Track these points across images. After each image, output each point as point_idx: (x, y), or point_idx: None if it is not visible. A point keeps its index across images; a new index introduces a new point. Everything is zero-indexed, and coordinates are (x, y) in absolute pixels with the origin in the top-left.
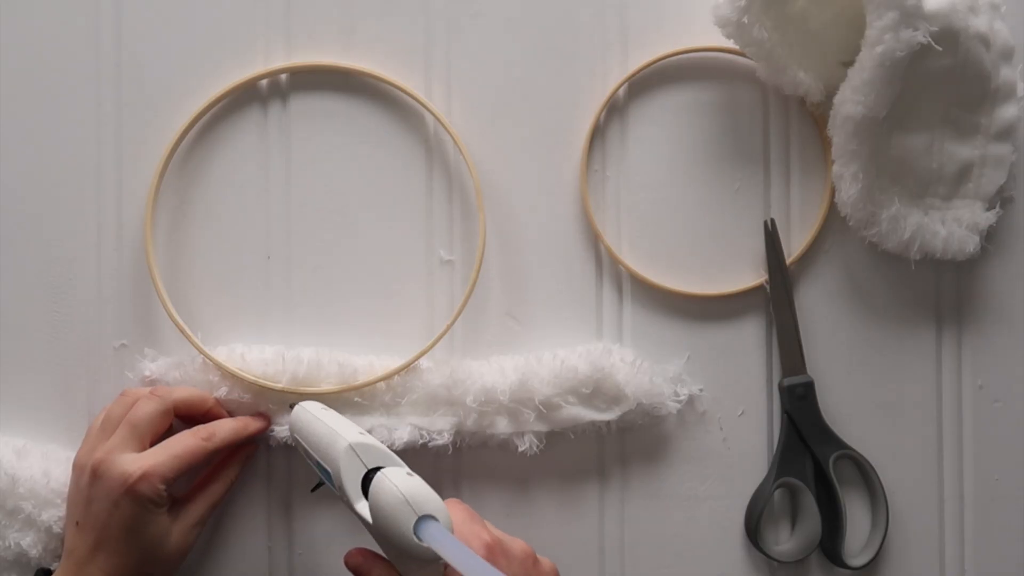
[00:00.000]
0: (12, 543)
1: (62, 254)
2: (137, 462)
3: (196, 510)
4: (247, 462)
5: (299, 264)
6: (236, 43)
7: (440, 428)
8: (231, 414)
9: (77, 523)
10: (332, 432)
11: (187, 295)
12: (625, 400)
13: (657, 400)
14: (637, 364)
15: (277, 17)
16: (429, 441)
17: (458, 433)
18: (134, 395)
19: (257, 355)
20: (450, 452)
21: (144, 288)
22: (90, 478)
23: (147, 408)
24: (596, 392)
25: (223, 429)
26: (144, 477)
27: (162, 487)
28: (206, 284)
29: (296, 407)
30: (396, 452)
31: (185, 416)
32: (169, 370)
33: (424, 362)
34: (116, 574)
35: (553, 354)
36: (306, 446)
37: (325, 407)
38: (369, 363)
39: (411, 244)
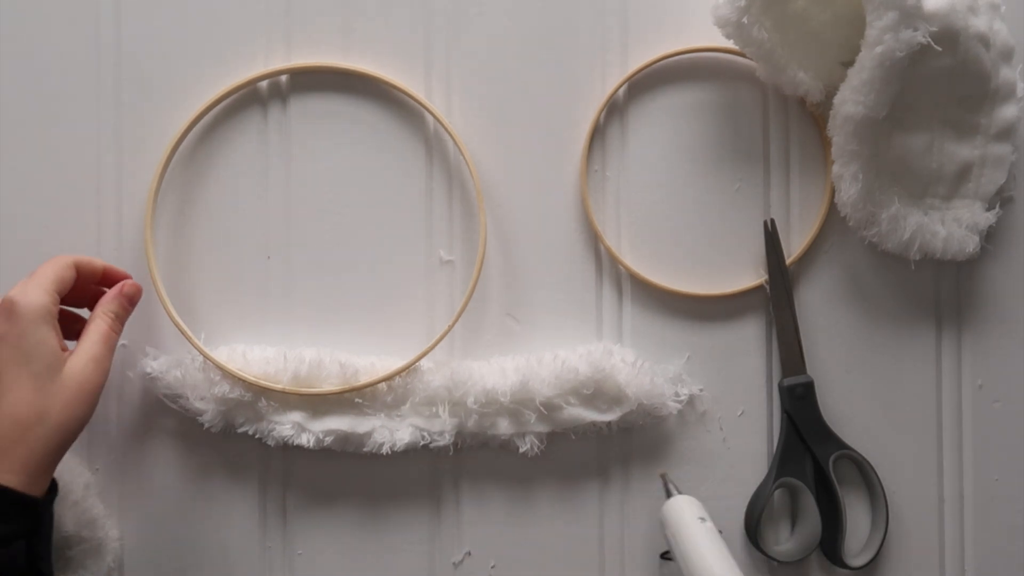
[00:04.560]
0: None
1: (62, 254)
2: (17, 286)
3: (86, 345)
4: (126, 298)
5: (299, 264)
6: (236, 44)
7: (441, 429)
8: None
9: None
10: (709, 572)
11: (187, 295)
12: (626, 401)
13: (658, 400)
14: (638, 365)
15: (277, 17)
16: (431, 442)
17: (459, 434)
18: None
19: (259, 355)
20: (451, 453)
21: (144, 288)
22: None
23: (51, 261)
24: (597, 393)
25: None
26: (21, 291)
27: (45, 297)
28: (206, 284)
29: (673, 501)
30: (397, 453)
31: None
32: (170, 368)
33: (425, 363)
34: (13, 410)
35: (554, 355)
36: (680, 559)
37: (704, 517)
38: (371, 363)
39: (411, 244)
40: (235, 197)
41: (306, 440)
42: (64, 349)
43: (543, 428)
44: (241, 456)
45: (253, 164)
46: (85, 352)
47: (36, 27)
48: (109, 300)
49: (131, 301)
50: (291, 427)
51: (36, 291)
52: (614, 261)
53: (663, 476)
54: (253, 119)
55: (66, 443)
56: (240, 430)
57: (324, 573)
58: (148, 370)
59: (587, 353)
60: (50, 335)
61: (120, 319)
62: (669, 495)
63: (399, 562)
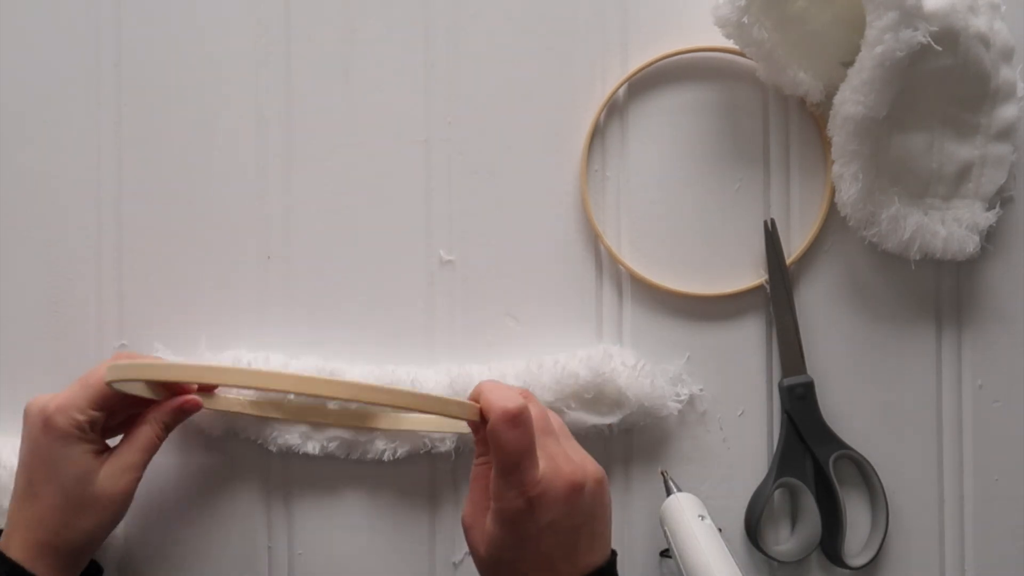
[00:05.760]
0: None
1: (62, 254)
2: (56, 399)
3: (125, 453)
4: (183, 412)
5: (299, 265)
6: (236, 43)
7: (442, 435)
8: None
9: (19, 466)
10: (706, 569)
11: (187, 296)
12: (627, 404)
13: (658, 401)
14: (638, 367)
15: (277, 17)
16: (431, 449)
17: (460, 439)
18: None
19: (261, 363)
20: (452, 459)
21: (144, 288)
22: (24, 422)
23: (104, 368)
24: (598, 397)
25: None
26: (59, 408)
27: (79, 417)
28: (206, 285)
29: (673, 498)
30: (398, 460)
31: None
32: None
33: (425, 370)
34: (41, 518)
35: (554, 360)
36: (677, 555)
37: (703, 515)
38: (368, 373)
39: (411, 244)
40: (235, 197)
41: (312, 448)
42: (104, 450)
43: None
44: (242, 457)
45: (253, 163)
46: (123, 460)
47: (36, 27)
48: (166, 411)
49: (187, 415)
50: (298, 436)
51: (73, 409)
52: (614, 261)
53: (663, 473)
54: (253, 118)
55: (98, 541)
56: (242, 436)
57: (324, 573)
58: None
59: (587, 358)
60: (79, 453)
61: (169, 429)
62: (669, 492)
63: (399, 562)
